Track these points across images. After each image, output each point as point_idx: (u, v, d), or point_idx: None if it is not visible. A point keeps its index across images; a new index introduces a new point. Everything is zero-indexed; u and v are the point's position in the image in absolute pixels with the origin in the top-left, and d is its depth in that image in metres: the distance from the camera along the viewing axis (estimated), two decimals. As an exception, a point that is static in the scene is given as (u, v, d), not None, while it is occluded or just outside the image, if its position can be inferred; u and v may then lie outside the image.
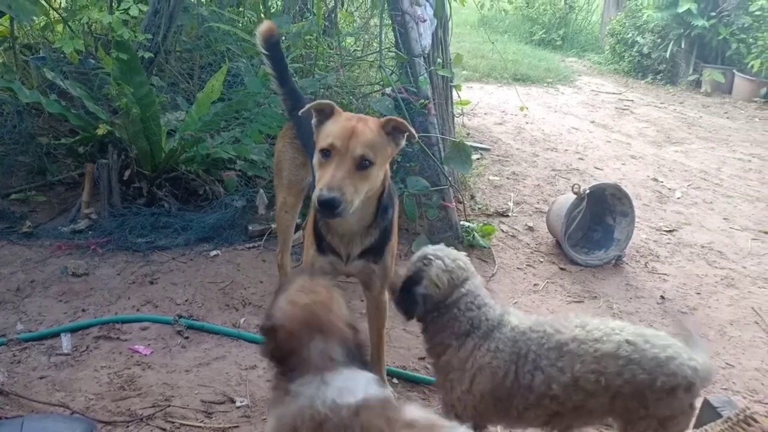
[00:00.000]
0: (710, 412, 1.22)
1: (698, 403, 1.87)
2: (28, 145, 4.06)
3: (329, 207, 1.91)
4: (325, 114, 2.14)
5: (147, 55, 4.01)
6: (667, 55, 9.44)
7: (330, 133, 2.03)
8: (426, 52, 4.08)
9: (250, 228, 3.79)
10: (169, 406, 2.42)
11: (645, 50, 9.76)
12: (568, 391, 1.88)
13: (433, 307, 2.01)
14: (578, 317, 2.00)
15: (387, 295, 2.49)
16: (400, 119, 2.14)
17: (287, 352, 1.50)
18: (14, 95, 3.79)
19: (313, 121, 2.16)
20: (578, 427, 2.03)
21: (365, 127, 2.05)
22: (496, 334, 1.97)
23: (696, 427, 1.15)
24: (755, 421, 1.09)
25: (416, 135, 2.19)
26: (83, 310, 3.01)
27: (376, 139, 2.06)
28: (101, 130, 3.67)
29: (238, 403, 2.47)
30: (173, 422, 2.35)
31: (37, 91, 3.79)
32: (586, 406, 1.90)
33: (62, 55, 3.99)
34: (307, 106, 2.17)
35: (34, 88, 4.10)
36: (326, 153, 2.01)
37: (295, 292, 1.59)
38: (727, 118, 7.95)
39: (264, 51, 2.84)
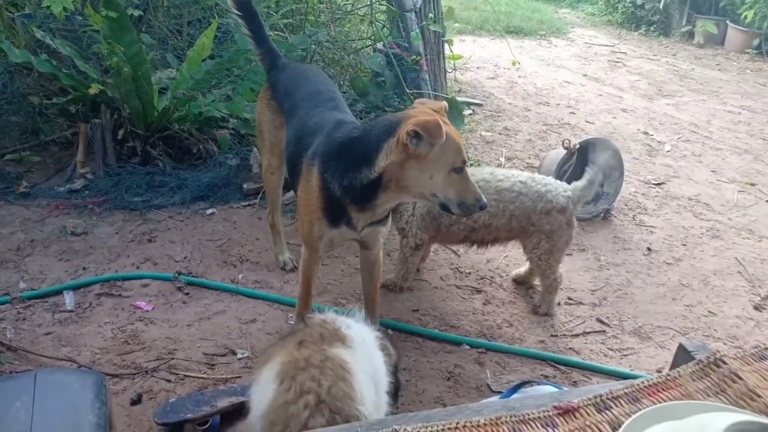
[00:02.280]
0: (684, 356, 1.30)
1: (575, 221, 2.91)
2: (20, 105, 4.05)
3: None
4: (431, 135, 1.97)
5: (136, 12, 3.96)
6: (661, 6, 9.34)
7: (458, 149, 2.03)
8: (417, 6, 4.07)
9: (244, 186, 3.84)
10: (172, 358, 2.51)
11: (639, 1, 9.64)
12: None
13: None
14: (491, 169, 2.92)
15: (381, 254, 2.57)
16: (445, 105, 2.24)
17: None
18: (3, 54, 3.76)
19: (412, 140, 1.97)
20: (487, 242, 2.94)
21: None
22: None
23: (670, 369, 1.23)
24: (724, 362, 1.17)
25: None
26: (84, 268, 3.07)
27: None
28: (93, 90, 3.65)
29: (239, 355, 2.57)
30: (177, 374, 2.44)
31: (27, 51, 3.77)
32: (492, 224, 2.81)
33: (49, 12, 3.93)
34: (413, 127, 1.94)
35: (21, 46, 4.06)
36: (459, 169, 2.05)
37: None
38: (719, 70, 7.94)
39: (236, 11, 2.79)
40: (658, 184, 4.56)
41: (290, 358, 1.58)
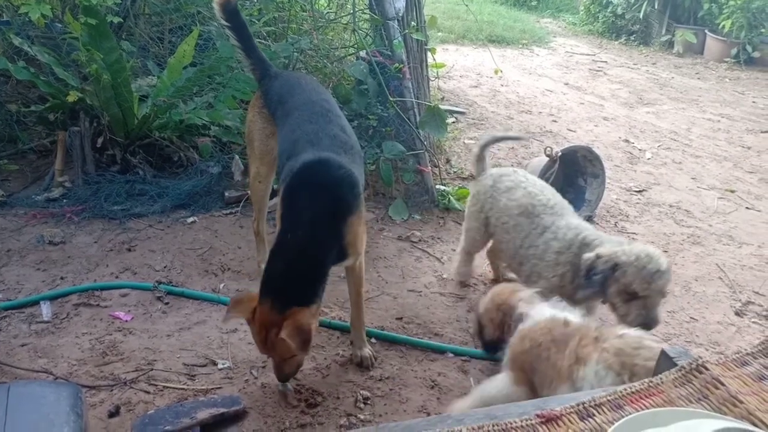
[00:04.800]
0: (667, 362, 1.29)
1: None
2: (-3, 112, 3.99)
3: None
4: None
5: (116, 19, 3.92)
6: (641, 16, 9.48)
7: None
8: (400, 14, 4.06)
9: (226, 194, 3.80)
10: (152, 369, 2.47)
11: (619, 11, 9.78)
12: None
13: None
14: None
15: (363, 260, 2.55)
16: None
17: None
18: (-20, 62, 3.71)
19: None
20: None
21: None
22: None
23: (653, 376, 1.22)
24: (706, 369, 1.17)
25: None
26: (62, 278, 3.02)
27: None
28: (72, 97, 3.60)
29: (220, 365, 2.53)
30: (156, 385, 2.40)
31: (5, 58, 3.71)
32: None
33: (28, 19, 3.89)
34: None
35: (0, 53, 4.00)
36: None
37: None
38: (698, 78, 8.05)
39: (224, 21, 2.78)
40: (640, 191, 4.60)
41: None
